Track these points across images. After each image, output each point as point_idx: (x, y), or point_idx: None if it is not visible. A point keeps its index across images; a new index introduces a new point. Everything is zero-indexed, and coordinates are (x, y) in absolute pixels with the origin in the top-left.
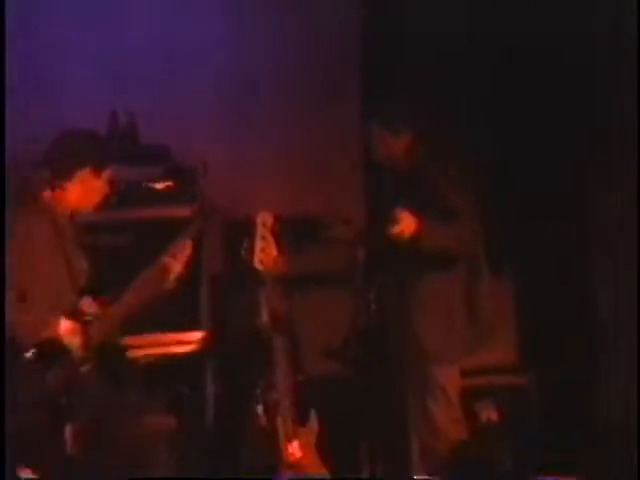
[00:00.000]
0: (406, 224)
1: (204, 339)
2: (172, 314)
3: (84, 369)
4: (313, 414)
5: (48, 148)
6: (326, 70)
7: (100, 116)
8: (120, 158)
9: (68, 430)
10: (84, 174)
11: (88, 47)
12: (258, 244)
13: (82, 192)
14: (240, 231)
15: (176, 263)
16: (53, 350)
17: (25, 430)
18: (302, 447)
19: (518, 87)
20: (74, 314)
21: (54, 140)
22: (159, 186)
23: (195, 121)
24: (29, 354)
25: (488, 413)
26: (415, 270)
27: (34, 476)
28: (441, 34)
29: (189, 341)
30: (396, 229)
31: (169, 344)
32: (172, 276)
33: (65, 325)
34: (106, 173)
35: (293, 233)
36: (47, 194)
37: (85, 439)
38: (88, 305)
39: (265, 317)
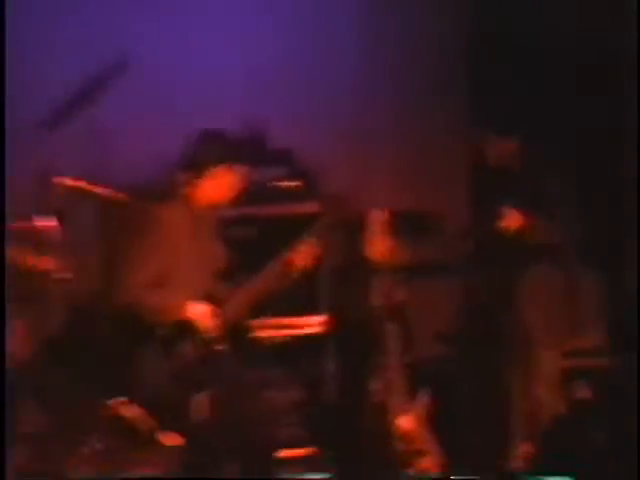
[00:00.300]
0: (512, 220)
1: (324, 322)
2: (296, 300)
3: (216, 347)
4: (423, 392)
5: (186, 148)
6: (436, 71)
7: (231, 122)
8: (250, 160)
9: (200, 399)
10: (218, 171)
11: (226, 58)
12: (374, 237)
13: (217, 188)
14: (358, 225)
15: (300, 259)
16: (186, 329)
17: (160, 397)
18: (412, 421)
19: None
20: (208, 298)
21: (191, 141)
22: (285, 185)
23: (317, 124)
24: (163, 332)
25: (582, 392)
26: (521, 262)
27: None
28: (548, 34)
29: (311, 324)
30: (503, 224)
31: (293, 326)
32: (295, 270)
33: (199, 308)
34: (237, 170)
35: (406, 227)
36: (186, 190)
37: (215, 408)
38: (221, 291)
39: (379, 303)
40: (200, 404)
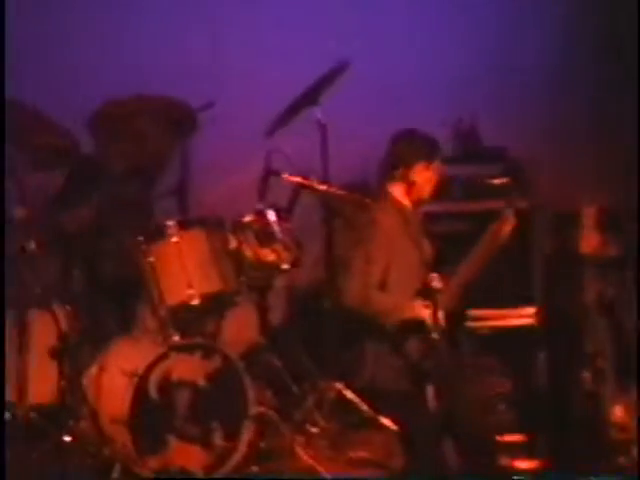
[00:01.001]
0: None
1: (537, 313)
2: (509, 292)
3: (435, 336)
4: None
5: (391, 147)
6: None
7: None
8: (463, 157)
9: (429, 389)
10: (420, 167)
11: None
12: (584, 233)
13: (420, 184)
14: (568, 221)
15: (504, 229)
16: (412, 327)
17: (392, 392)
18: (625, 411)
19: None
20: (425, 291)
21: (395, 140)
22: (496, 182)
23: (526, 124)
24: (389, 330)
25: None
26: None
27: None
28: None
29: (524, 315)
30: None
31: (507, 317)
32: (500, 240)
33: (420, 303)
34: (434, 166)
35: (612, 223)
36: (395, 188)
37: (441, 398)
38: (436, 282)
39: (590, 297)
40: (426, 394)
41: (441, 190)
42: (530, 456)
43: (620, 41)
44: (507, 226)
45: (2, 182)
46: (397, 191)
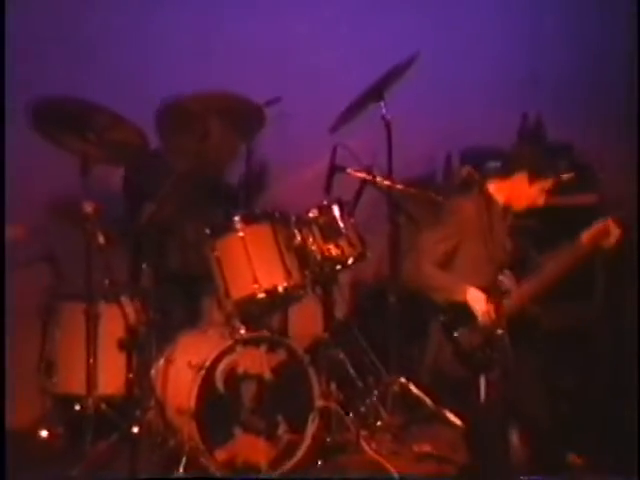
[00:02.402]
0: None
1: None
2: (572, 289)
3: (497, 332)
4: None
5: (516, 145)
6: None
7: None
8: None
9: (482, 380)
10: (520, 177)
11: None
12: None
13: (516, 192)
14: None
15: (594, 240)
16: (464, 313)
17: (446, 379)
18: None
19: None
20: (489, 286)
21: (522, 141)
22: (565, 177)
23: (592, 121)
24: (445, 316)
25: None
26: None
27: None
28: None
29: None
30: None
31: (570, 313)
32: (589, 252)
33: (476, 294)
34: (540, 183)
35: None
36: (491, 185)
37: (496, 389)
38: (507, 279)
39: None
40: (482, 385)
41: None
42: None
43: None
44: (610, 238)
45: (2, 182)
46: (493, 187)
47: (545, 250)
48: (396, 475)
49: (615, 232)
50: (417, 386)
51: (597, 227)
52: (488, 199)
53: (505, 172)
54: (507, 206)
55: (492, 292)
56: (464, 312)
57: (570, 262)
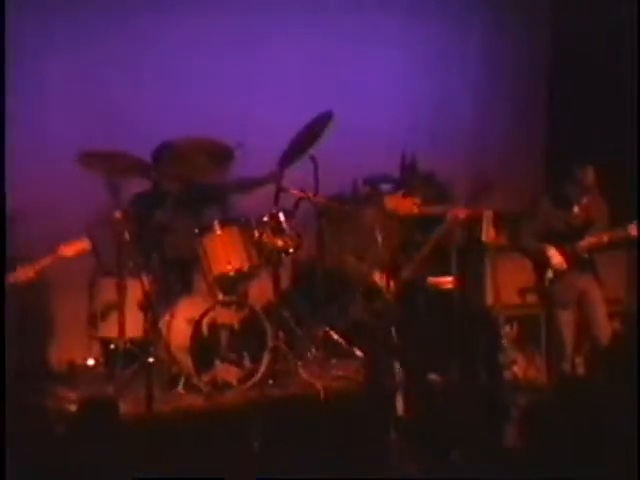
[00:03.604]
0: None
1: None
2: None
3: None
4: None
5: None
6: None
7: None
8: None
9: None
10: (401, 194)
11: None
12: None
13: (400, 204)
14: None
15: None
16: (374, 288)
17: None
18: None
19: None
20: (390, 266)
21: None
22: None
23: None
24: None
25: None
26: None
27: None
28: None
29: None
30: None
31: (445, 283)
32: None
33: (378, 275)
34: (412, 199)
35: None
36: (385, 199)
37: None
38: (400, 260)
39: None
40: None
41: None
42: None
43: None
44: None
45: (2, 182)
46: (386, 200)
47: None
48: (320, 388)
49: (461, 214)
50: (335, 332)
51: (451, 215)
52: (382, 208)
53: (392, 191)
54: (394, 212)
55: (390, 271)
56: (373, 286)
57: (439, 238)
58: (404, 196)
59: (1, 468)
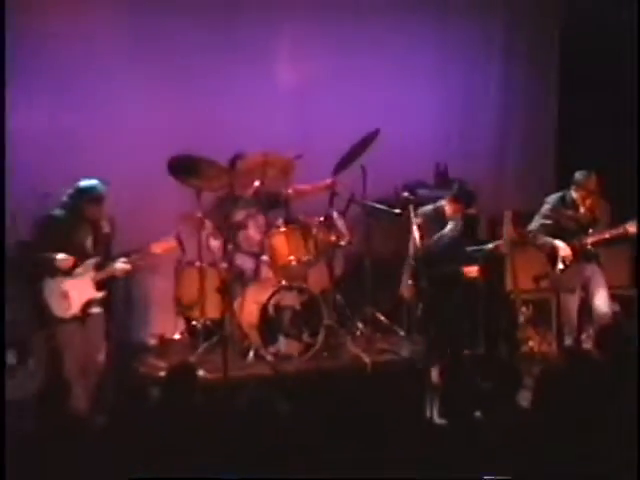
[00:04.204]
0: None
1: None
2: None
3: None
4: None
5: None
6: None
7: None
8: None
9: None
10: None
11: None
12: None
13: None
14: None
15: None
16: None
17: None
18: None
19: None
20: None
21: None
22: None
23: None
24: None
25: None
26: None
27: None
28: None
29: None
30: None
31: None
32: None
33: None
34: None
35: None
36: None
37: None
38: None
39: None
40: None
41: None
42: None
43: None
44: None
45: (3, 182)
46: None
47: None
48: (367, 360)
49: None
50: (381, 313)
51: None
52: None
53: (428, 195)
54: (449, 216)
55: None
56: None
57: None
58: (450, 202)
59: (1, 468)
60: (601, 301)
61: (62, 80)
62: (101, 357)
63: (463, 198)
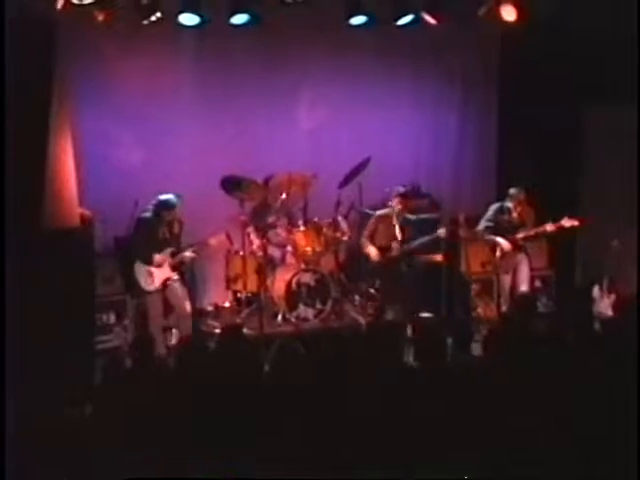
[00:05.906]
0: None
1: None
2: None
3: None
4: None
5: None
6: None
7: None
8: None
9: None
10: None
11: None
12: None
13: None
14: None
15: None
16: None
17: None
18: None
19: None
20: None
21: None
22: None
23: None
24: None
25: None
26: None
27: None
28: None
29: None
30: None
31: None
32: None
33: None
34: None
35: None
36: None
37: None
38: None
39: None
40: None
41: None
42: None
43: None
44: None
45: (2, 182)
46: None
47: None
48: (362, 321)
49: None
50: (374, 291)
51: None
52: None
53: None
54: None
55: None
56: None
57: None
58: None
59: (1, 468)
60: (525, 279)
61: (145, 119)
62: (185, 312)
63: (409, 196)
